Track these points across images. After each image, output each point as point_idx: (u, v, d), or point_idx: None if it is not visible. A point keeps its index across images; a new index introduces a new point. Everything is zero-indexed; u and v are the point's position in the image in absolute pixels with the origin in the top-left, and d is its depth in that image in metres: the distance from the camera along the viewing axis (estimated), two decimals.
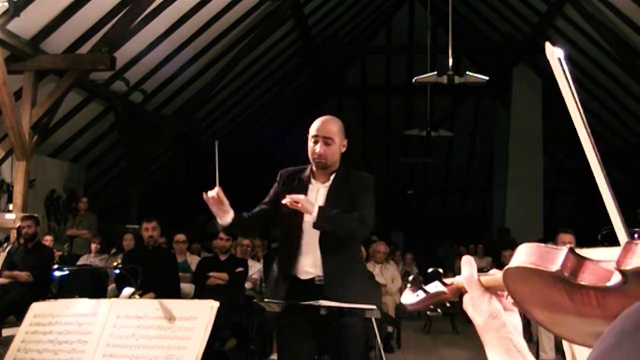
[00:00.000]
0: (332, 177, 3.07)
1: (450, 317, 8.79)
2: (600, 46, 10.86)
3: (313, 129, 3.02)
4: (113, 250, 8.16)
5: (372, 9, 14.99)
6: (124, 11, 8.05)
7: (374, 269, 7.89)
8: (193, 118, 11.79)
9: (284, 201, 2.84)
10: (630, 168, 13.63)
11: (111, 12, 8.16)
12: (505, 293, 0.87)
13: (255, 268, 7.22)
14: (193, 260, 7.33)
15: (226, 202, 2.92)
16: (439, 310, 1.03)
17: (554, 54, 0.81)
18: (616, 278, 0.67)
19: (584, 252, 0.72)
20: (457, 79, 7.49)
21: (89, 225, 9.17)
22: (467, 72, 7.60)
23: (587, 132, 0.78)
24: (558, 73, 0.81)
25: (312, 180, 3.08)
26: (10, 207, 8.18)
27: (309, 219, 2.92)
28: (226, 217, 2.95)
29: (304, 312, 2.88)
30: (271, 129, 16.34)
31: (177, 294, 5.93)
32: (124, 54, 8.91)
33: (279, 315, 3.06)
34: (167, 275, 5.90)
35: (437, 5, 12.93)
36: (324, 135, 2.99)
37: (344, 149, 3.07)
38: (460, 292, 0.97)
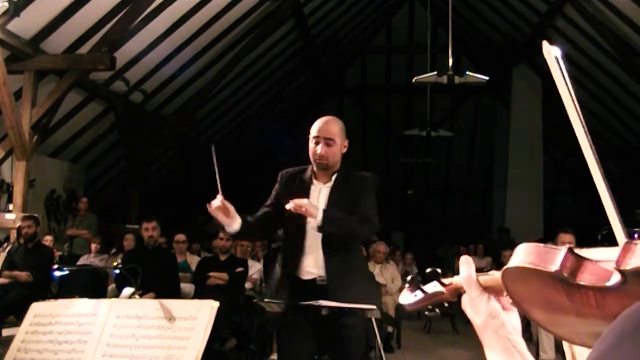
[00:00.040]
0: (333, 178, 3.07)
1: (450, 317, 8.79)
2: (600, 46, 10.86)
3: (314, 130, 3.01)
4: (113, 250, 8.16)
5: (372, 9, 14.99)
6: (124, 11, 8.05)
7: (374, 269, 7.89)
8: (193, 118, 11.79)
9: (287, 206, 2.82)
10: (630, 168, 13.63)
11: (111, 12, 8.16)
12: (504, 293, 0.87)
13: (255, 268, 7.22)
14: (193, 260, 7.33)
15: (231, 208, 2.89)
16: (437, 310, 1.03)
17: (551, 52, 0.81)
18: (615, 278, 0.67)
19: (583, 252, 0.72)
20: (457, 79, 7.49)
21: (89, 225, 9.17)
22: (467, 72, 7.60)
23: (585, 132, 0.78)
24: (555, 72, 0.81)
25: (314, 181, 3.08)
26: (10, 207, 8.18)
27: (312, 221, 2.92)
28: (233, 224, 2.93)
29: (304, 312, 2.88)
30: (271, 129, 16.34)
31: (177, 294, 5.93)
32: (124, 54, 8.91)
33: (279, 315, 3.06)
34: (167, 275, 5.90)
35: (437, 5, 12.93)
36: (325, 136, 2.98)
37: (345, 150, 3.06)
38: (459, 292, 0.97)
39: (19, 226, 6.89)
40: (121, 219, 10.54)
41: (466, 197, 19.74)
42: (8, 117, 7.41)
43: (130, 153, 10.87)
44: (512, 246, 8.20)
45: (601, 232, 5.32)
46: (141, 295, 4.30)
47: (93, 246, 7.83)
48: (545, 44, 0.82)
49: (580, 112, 0.79)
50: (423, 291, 1.02)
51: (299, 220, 2.96)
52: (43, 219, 9.04)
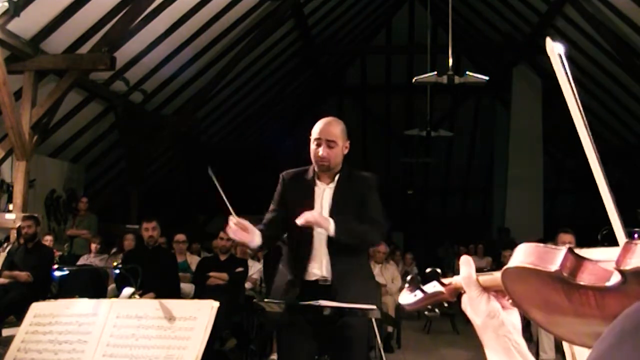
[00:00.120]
0: (336, 178, 3.07)
1: (450, 317, 8.79)
2: (600, 46, 10.86)
3: (315, 132, 3.01)
4: (113, 250, 8.16)
5: (372, 9, 14.99)
6: (124, 11, 8.06)
7: (374, 269, 7.88)
8: (193, 118, 11.79)
9: (298, 222, 2.82)
10: (630, 168, 13.63)
11: (111, 12, 8.16)
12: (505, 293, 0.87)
13: (255, 268, 7.22)
14: (193, 260, 7.33)
15: (248, 224, 2.88)
16: (436, 310, 1.03)
17: (554, 50, 0.81)
18: (615, 278, 0.66)
19: (583, 252, 0.72)
20: (457, 79, 7.49)
21: (89, 225, 9.17)
22: (467, 72, 7.60)
23: (587, 131, 0.78)
24: (558, 69, 0.81)
25: (317, 182, 3.08)
26: (10, 207, 8.19)
27: (321, 230, 2.94)
28: (254, 239, 2.92)
29: (304, 312, 2.89)
30: (271, 129, 16.34)
31: (177, 294, 5.93)
32: (124, 54, 8.91)
33: (280, 315, 3.06)
34: (167, 275, 5.90)
35: (437, 5, 12.93)
36: (327, 138, 2.98)
37: (346, 151, 3.06)
38: (458, 292, 0.97)
39: (19, 226, 6.90)
40: (121, 219, 10.55)
41: (466, 197, 19.75)
42: (8, 117, 7.41)
43: (130, 153, 10.87)
44: (512, 246, 8.20)
45: (601, 232, 5.32)
46: (141, 295, 4.30)
47: (93, 246, 7.83)
48: (548, 40, 0.82)
49: (582, 110, 0.79)
50: (423, 291, 1.02)
51: (305, 227, 2.96)
52: (43, 219, 9.04)
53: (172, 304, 2.03)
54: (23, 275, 6.31)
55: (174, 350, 1.90)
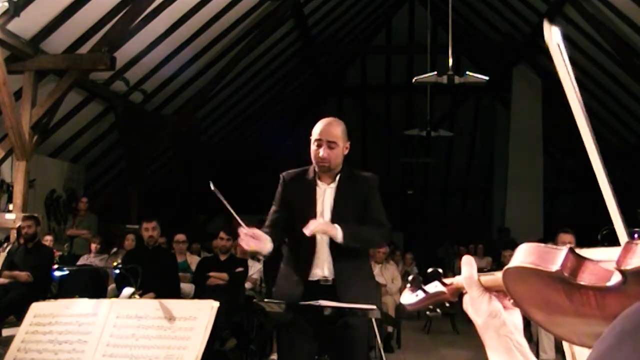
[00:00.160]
0: (337, 178, 3.08)
1: (451, 317, 8.79)
2: (600, 46, 10.86)
3: (316, 133, 3.01)
4: (113, 250, 8.16)
5: (372, 9, 14.99)
6: (124, 11, 8.05)
7: (374, 269, 7.88)
8: (193, 118, 11.79)
9: (307, 233, 2.82)
10: (630, 168, 13.63)
11: (111, 12, 8.16)
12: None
13: (255, 268, 7.22)
14: (193, 260, 7.33)
15: (258, 232, 2.87)
16: (438, 310, 1.03)
17: (553, 35, 0.80)
18: (616, 278, 0.66)
19: (583, 252, 0.72)
20: (457, 79, 7.49)
21: (89, 225, 9.17)
22: (467, 72, 7.59)
23: (587, 122, 0.78)
24: (556, 56, 0.80)
25: (318, 182, 3.08)
26: (10, 207, 8.18)
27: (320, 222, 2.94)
28: (266, 246, 2.92)
29: (304, 313, 2.89)
30: (271, 129, 16.35)
31: (177, 294, 5.93)
32: (124, 54, 8.91)
33: (280, 315, 3.06)
34: (167, 275, 5.90)
35: (437, 5, 12.93)
36: (328, 139, 2.98)
37: (347, 151, 3.07)
38: (460, 292, 0.97)
39: (19, 226, 6.89)
40: (121, 219, 10.55)
41: (466, 197, 19.74)
42: (8, 117, 7.41)
43: (130, 153, 10.87)
44: (512, 246, 8.22)
45: (601, 232, 5.32)
46: (141, 295, 4.30)
47: (93, 246, 7.83)
48: (546, 25, 0.81)
49: (581, 99, 0.78)
50: (424, 291, 1.02)
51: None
52: (43, 219, 9.04)
53: (172, 304, 2.03)
54: (23, 275, 6.31)
55: (174, 350, 1.90)
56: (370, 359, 6.34)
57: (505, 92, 15.14)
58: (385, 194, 3.21)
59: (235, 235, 6.86)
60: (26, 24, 7.40)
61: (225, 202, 2.69)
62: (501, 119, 15.70)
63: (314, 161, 3.04)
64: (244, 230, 2.81)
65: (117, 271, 4.96)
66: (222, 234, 6.56)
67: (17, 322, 4.30)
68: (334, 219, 2.98)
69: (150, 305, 2.06)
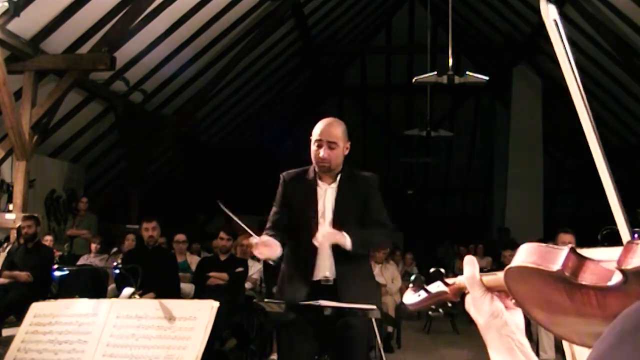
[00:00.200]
0: (338, 178, 3.08)
1: (451, 317, 8.79)
2: (600, 46, 10.85)
3: (316, 133, 3.01)
4: (113, 250, 8.17)
5: (372, 9, 14.99)
6: (124, 11, 8.05)
7: (374, 269, 7.89)
8: (193, 118, 11.79)
9: (316, 244, 2.85)
10: (630, 168, 13.63)
11: (111, 12, 8.16)
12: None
13: (255, 268, 7.22)
14: (193, 260, 7.33)
15: (271, 240, 2.89)
16: (440, 310, 1.03)
17: (550, 12, 0.79)
18: (617, 278, 0.67)
19: (584, 252, 0.72)
20: (457, 79, 7.48)
21: (89, 225, 9.17)
22: (467, 72, 7.59)
23: (584, 100, 0.77)
24: (553, 33, 0.79)
25: (319, 182, 3.08)
26: (10, 207, 8.18)
27: (322, 224, 2.96)
28: (277, 250, 2.93)
29: (304, 312, 2.89)
30: (271, 129, 16.34)
31: (177, 294, 5.93)
32: (124, 54, 8.91)
33: (280, 315, 3.06)
34: (167, 275, 5.90)
35: (437, 5, 12.92)
36: (328, 139, 2.98)
37: (347, 152, 3.07)
38: (462, 292, 0.97)
39: (19, 226, 6.89)
40: (121, 219, 10.55)
41: (466, 197, 19.74)
42: (8, 117, 7.41)
43: (130, 153, 10.87)
44: (512, 246, 8.22)
45: (601, 232, 5.31)
46: (141, 295, 4.30)
47: (93, 246, 7.84)
48: (542, 2, 0.80)
49: (578, 77, 0.78)
50: (426, 291, 1.02)
51: (309, 227, 2.97)
52: (43, 219, 9.03)
53: (172, 304, 2.03)
54: (23, 275, 6.31)
55: (174, 350, 1.90)
56: (370, 359, 6.34)
57: (505, 92, 15.14)
58: (385, 194, 3.21)
59: (235, 236, 6.89)
60: (26, 24, 7.40)
61: (234, 218, 2.76)
62: (501, 119, 15.70)
63: (314, 161, 3.04)
64: (255, 240, 2.83)
65: (117, 271, 4.96)
66: (222, 234, 6.56)
67: (17, 322, 4.30)
68: (336, 219, 2.98)
69: (150, 305, 2.06)
